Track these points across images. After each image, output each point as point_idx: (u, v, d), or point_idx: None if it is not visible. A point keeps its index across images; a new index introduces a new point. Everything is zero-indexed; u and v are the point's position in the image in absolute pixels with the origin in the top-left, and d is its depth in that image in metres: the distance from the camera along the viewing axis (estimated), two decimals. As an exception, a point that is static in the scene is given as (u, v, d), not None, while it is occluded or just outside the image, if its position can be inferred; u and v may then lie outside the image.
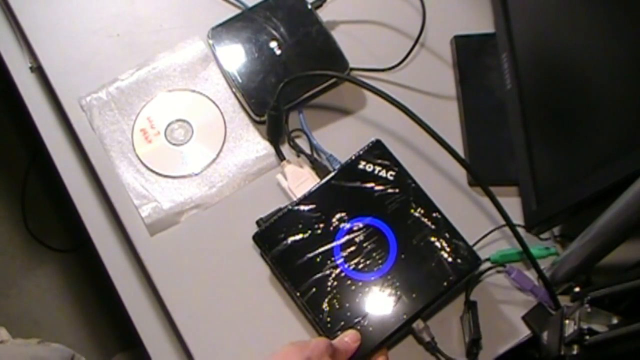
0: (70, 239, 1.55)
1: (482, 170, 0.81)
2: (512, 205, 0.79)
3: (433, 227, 0.76)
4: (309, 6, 0.91)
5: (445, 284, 0.74)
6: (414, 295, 0.74)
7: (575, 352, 0.63)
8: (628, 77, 0.62)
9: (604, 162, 0.64)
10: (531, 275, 0.77)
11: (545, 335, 0.71)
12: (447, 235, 0.76)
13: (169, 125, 0.88)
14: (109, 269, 0.84)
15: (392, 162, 0.80)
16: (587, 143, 0.68)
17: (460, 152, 0.83)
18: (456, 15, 0.93)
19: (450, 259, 0.75)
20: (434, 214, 0.77)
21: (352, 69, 0.88)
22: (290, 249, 0.77)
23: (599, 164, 0.64)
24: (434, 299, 0.73)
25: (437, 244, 0.76)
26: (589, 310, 0.63)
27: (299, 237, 0.77)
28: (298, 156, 0.85)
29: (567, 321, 0.65)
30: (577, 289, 0.68)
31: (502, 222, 0.74)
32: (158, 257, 0.80)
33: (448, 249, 0.75)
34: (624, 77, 0.63)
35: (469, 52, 0.90)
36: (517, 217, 0.78)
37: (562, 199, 0.69)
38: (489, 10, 0.91)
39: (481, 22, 0.92)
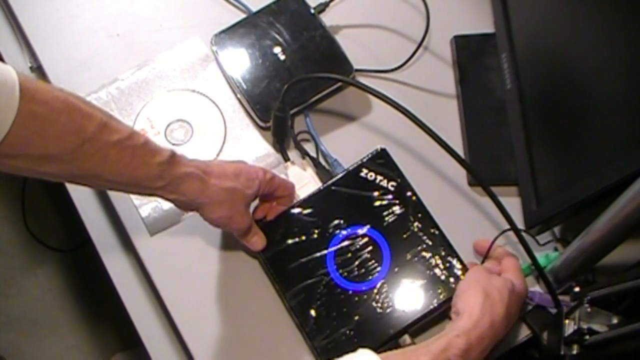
0: (70, 239, 1.55)
1: (482, 170, 0.81)
2: (512, 205, 0.79)
3: (429, 243, 0.75)
4: (312, 11, 0.90)
5: (435, 301, 0.72)
6: (402, 310, 0.73)
7: (575, 352, 0.63)
8: (628, 77, 0.62)
9: (603, 162, 0.64)
10: (531, 280, 0.77)
11: (545, 335, 0.71)
12: (442, 252, 0.75)
13: (169, 125, 0.88)
14: (109, 269, 0.84)
15: (394, 173, 0.79)
16: (587, 143, 0.68)
17: (460, 152, 0.83)
18: (456, 15, 0.93)
19: (443, 277, 0.74)
20: (432, 230, 0.76)
21: (356, 70, 0.87)
22: (284, 251, 0.76)
23: (598, 164, 0.64)
24: (422, 316, 0.72)
25: (432, 260, 0.75)
26: (589, 310, 0.63)
27: (294, 240, 0.77)
28: (303, 158, 0.85)
29: (567, 321, 0.65)
30: (577, 289, 0.68)
31: (503, 221, 0.74)
32: (158, 257, 0.80)
33: (442, 267, 0.74)
34: (624, 77, 0.63)
35: (469, 52, 0.90)
36: (517, 217, 0.78)
37: (562, 198, 0.69)
38: (489, 10, 0.91)
39: (481, 22, 0.92)
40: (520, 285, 0.69)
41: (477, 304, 0.65)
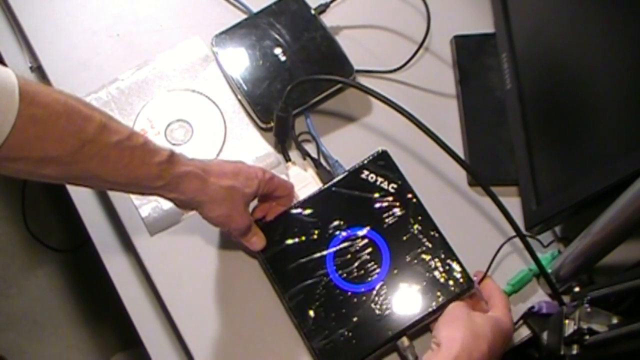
0: (70, 239, 1.55)
1: (482, 170, 0.81)
2: (512, 205, 0.78)
3: (429, 245, 0.75)
4: (313, 11, 0.90)
5: (434, 304, 0.72)
6: (401, 312, 0.72)
7: (575, 352, 0.63)
8: (627, 77, 0.62)
9: (603, 162, 0.64)
10: (532, 283, 0.77)
11: (545, 335, 0.71)
12: (442, 255, 0.74)
13: (169, 125, 0.88)
14: (109, 269, 0.84)
15: (395, 175, 0.79)
16: (587, 143, 0.68)
17: (460, 152, 0.83)
18: (456, 15, 0.93)
19: (442, 280, 0.73)
20: (432, 232, 0.76)
21: (357, 71, 0.87)
22: (284, 251, 0.76)
23: (598, 164, 0.64)
24: (421, 318, 0.72)
25: (431, 263, 0.74)
26: (589, 310, 0.63)
27: (294, 240, 0.77)
28: (304, 159, 0.85)
29: (567, 321, 0.65)
30: (577, 289, 0.68)
31: (502, 221, 0.74)
32: (158, 257, 0.80)
33: (441, 269, 0.74)
34: (624, 77, 0.63)
35: (468, 52, 0.90)
36: (517, 217, 0.78)
37: (562, 198, 0.69)
38: (489, 10, 0.91)
39: (481, 22, 0.92)
40: (507, 322, 0.69)
41: (458, 339, 0.65)
